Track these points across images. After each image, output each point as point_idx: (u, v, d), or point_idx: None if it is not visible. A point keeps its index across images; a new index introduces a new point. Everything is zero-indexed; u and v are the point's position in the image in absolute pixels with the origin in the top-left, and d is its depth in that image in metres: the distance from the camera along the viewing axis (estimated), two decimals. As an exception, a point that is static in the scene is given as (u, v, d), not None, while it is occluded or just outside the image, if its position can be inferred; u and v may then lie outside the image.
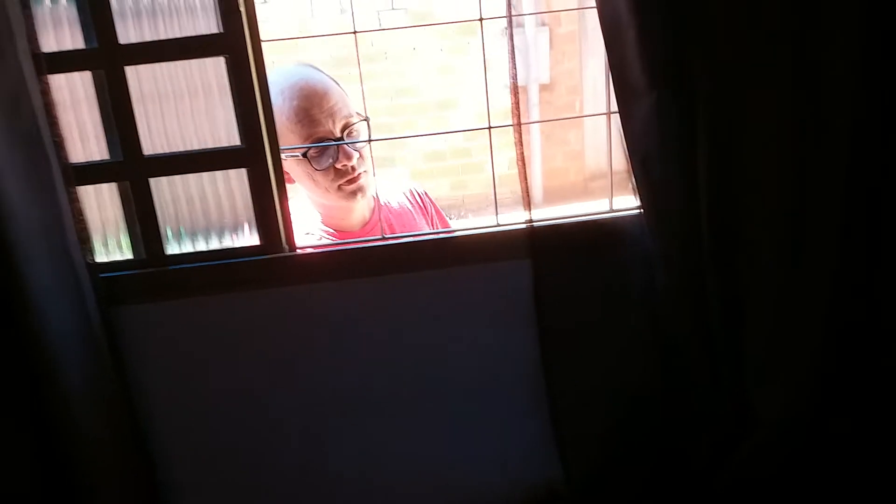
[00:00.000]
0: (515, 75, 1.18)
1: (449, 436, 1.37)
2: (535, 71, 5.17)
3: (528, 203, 1.22)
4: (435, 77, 5.24)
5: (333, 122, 1.39)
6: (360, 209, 1.50)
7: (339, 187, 1.41)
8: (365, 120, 1.41)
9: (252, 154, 1.24)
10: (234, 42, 1.20)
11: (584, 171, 5.51)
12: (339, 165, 1.39)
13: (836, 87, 1.11)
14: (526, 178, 1.20)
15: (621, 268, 1.25)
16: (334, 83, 1.43)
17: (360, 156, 1.42)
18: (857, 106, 1.13)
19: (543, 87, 5.18)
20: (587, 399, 1.29)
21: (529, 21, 5.00)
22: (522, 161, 1.19)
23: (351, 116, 1.42)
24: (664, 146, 1.15)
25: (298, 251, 1.29)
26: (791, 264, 1.16)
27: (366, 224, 1.51)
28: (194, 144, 1.27)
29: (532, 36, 5.14)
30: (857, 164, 1.13)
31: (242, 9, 1.19)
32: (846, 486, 1.30)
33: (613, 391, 1.28)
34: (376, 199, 1.53)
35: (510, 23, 1.19)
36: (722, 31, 1.08)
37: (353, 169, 1.40)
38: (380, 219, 1.43)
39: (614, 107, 1.21)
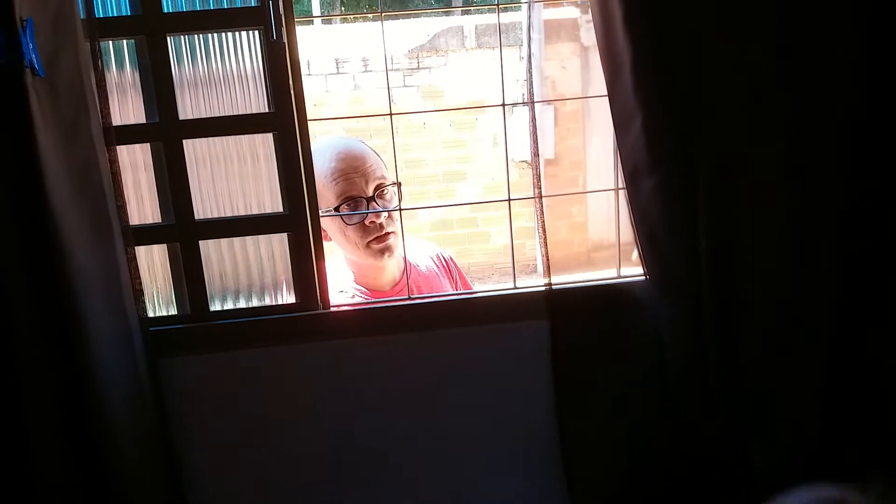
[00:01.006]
0: (537, 152, 1.31)
1: (467, 483, 1.44)
2: (541, 146, 5.37)
3: (547, 268, 1.33)
4: (442, 151, 5.45)
5: (367, 183, 1.53)
6: (390, 270, 1.61)
7: (368, 244, 1.53)
8: (396, 185, 1.55)
9: (294, 220, 1.36)
10: (283, 120, 1.33)
11: (587, 242, 5.66)
12: (367, 222, 1.51)
13: (825, 168, 1.24)
14: (546, 244, 1.31)
15: (630, 329, 1.35)
16: (372, 151, 1.58)
17: (389, 217, 1.54)
18: (847, 191, 1.25)
19: (548, 162, 5.37)
20: (598, 451, 1.37)
21: (537, 99, 5.22)
22: (543, 230, 1.31)
23: (384, 179, 1.56)
24: (668, 220, 1.26)
25: (332, 309, 1.40)
26: (789, 329, 1.27)
27: (396, 284, 1.63)
28: (240, 209, 1.39)
29: (538, 114, 5.36)
30: (850, 238, 1.25)
31: (292, 91, 1.32)
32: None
33: (622, 442, 1.36)
34: (406, 260, 1.65)
35: (532, 107, 1.33)
36: (720, 121, 1.22)
37: (381, 227, 1.53)
38: (408, 279, 1.54)
39: (621, 183, 1.34)
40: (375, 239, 1.54)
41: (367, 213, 1.51)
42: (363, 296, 1.56)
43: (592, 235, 5.70)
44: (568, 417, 1.38)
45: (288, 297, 1.42)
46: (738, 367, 1.28)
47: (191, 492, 1.37)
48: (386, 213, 1.55)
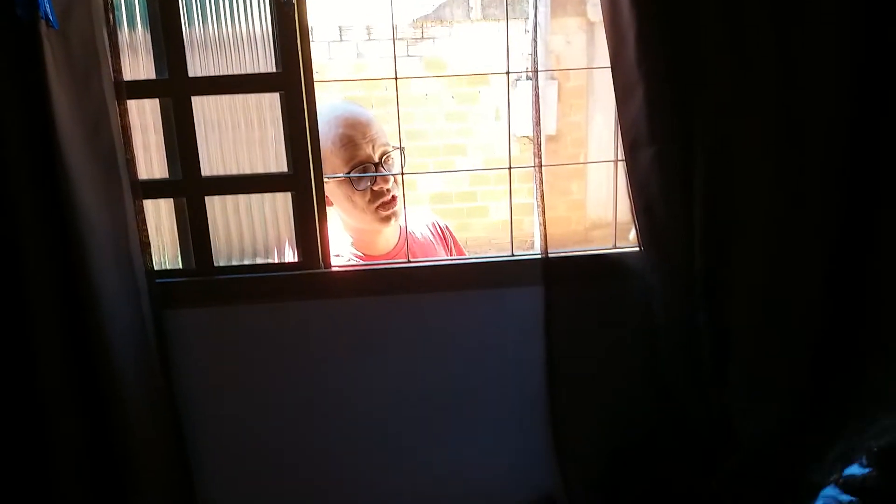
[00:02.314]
0: (539, 121, 1.34)
1: (460, 444, 1.49)
2: (543, 122, 5.36)
3: (544, 235, 1.37)
4: (443, 123, 5.45)
5: (373, 148, 1.55)
6: (388, 235, 1.64)
7: (376, 210, 1.56)
8: (400, 149, 1.57)
9: (298, 180, 1.39)
10: (291, 81, 1.35)
11: (586, 220, 5.69)
12: (376, 188, 1.54)
13: (819, 145, 1.27)
14: (544, 213, 1.34)
15: (623, 298, 1.39)
16: (374, 117, 1.60)
17: (395, 181, 1.57)
18: (840, 158, 1.28)
19: (550, 139, 5.37)
20: (587, 415, 1.42)
21: (540, 75, 5.22)
22: (542, 199, 1.34)
23: (388, 145, 1.58)
24: (665, 191, 1.30)
25: (333, 269, 1.43)
26: (775, 301, 1.31)
27: (392, 250, 1.66)
28: (246, 168, 1.42)
29: (542, 88, 5.36)
30: (840, 208, 1.28)
31: (300, 52, 1.35)
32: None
33: (611, 409, 1.41)
34: (402, 228, 1.67)
35: (535, 76, 1.35)
36: (717, 95, 1.25)
37: (389, 191, 1.55)
38: (407, 244, 1.57)
39: (620, 156, 1.36)
40: (383, 205, 1.57)
41: (374, 175, 1.54)
42: (359, 260, 1.59)
43: (591, 214, 5.72)
44: (558, 382, 1.42)
45: (290, 256, 1.45)
46: (726, 335, 1.32)
47: (191, 436, 1.42)
48: (392, 179, 1.57)
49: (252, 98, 1.40)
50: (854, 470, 1.03)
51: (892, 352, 1.36)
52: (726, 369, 1.34)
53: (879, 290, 1.34)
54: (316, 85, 1.39)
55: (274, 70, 1.37)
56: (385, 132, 1.60)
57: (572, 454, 1.45)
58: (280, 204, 1.44)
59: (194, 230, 1.41)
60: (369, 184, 1.54)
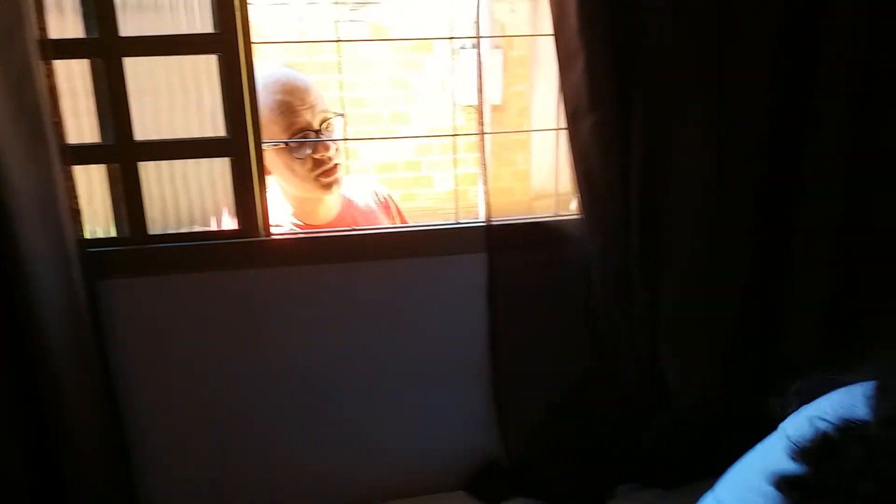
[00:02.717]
0: (482, 88, 1.33)
1: (404, 412, 1.50)
2: (488, 91, 5.36)
3: (487, 203, 1.37)
4: (387, 90, 5.39)
5: (313, 115, 1.52)
6: (329, 204, 1.62)
7: (316, 177, 1.53)
8: (341, 115, 1.55)
9: (236, 144, 1.36)
10: (228, 42, 1.31)
11: (530, 191, 5.73)
12: (316, 156, 1.51)
13: (751, 112, 1.31)
14: (487, 182, 1.35)
15: (564, 263, 1.42)
16: (312, 83, 1.57)
17: (336, 148, 1.55)
18: (770, 134, 1.32)
19: (495, 108, 5.37)
20: (529, 379, 1.45)
21: (484, 43, 5.20)
22: (484, 166, 1.34)
23: (328, 111, 1.55)
24: (604, 159, 1.32)
25: (274, 236, 1.41)
26: (705, 264, 1.35)
27: (333, 219, 1.64)
28: (182, 134, 1.37)
29: (486, 58, 5.35)
30: (767, 179, 1.33)
31: (237, 12, 1.31)
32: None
33: (551, 373, 1.44)
34: (343, 196, 1.65)
35: (478, 43, 1.35)
36: (656, 63, 1.26)
37: (330, 159, 1.53)
38: (348, 213, 1.56)
39: (563, 124, 1.37)
40: (324, 172, 1.54)
41: (315, 141, 1.51)
42: (299, 230, 1.57)
43: (535, 184, 5.77)
44: (500, 346, 1.44)
45: (229, 224, 1.42)
46: (659, 299, 1.36)
47: (128, 412, 1.39)
48: (334, 146, 1.55)
49: (188, 60, 1.35)
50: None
51: (802, 321, 1.42)
52: (658, 329, 1.39)
53: (800, 254, 1.40)
54: (255, 48, 1.35)
55: (211, 31, 1.32)
56: (323, 99, 1.57)
57: (513, 415, 1.48)
58: (218, 170, 1.40)
59: (128, 197, 1.36)
60: (310, 151, 1.52)
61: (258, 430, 1.46)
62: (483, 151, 1.36)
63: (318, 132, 1.52)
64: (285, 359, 1.44)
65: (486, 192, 1.37)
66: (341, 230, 1.48)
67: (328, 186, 1.55)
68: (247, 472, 1.47)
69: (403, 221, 1.81)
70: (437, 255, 1.44)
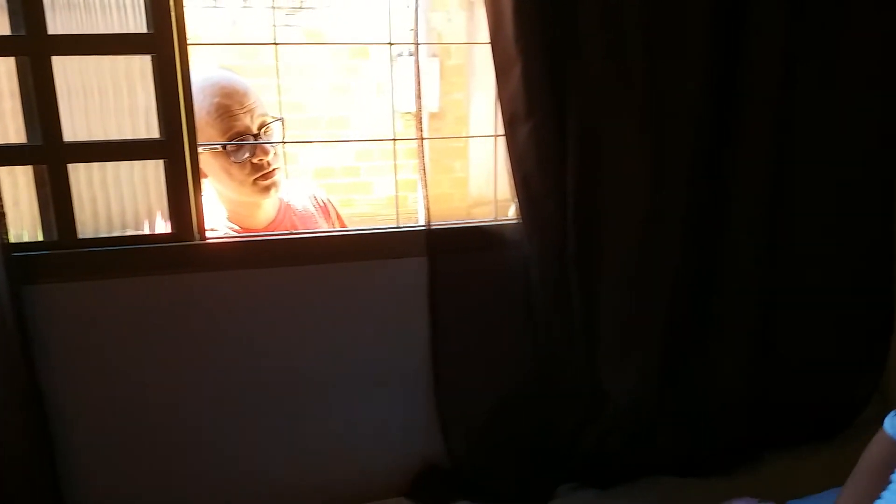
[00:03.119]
0: (420, 94, 1.35)
1: (344, 418, 1.49)
2: (426, 99, 5.38)
3: (427, 207, 1.38)
4: (325, 95, 5.35)
5: (252, 119, 1.50)
6: (267, 208, 1.60)
7: (255, 181, 1.51)
8: (280, 120, 1.53)
9: (171, 146, 1.33)
10: (163, 42, 1.29)
11: (468, 197, 5.78)
12: (255, 160, 1.50)
13: (682, 123, 1.36)
14: (426, 186, 1.36)
15: (503, 266, 1.44)
16: (251, 86, 1.55)
17: (275, 153, 1.53)
18: (700, 137, 1.38)
19: (433, 116, 5.40)
20: (469, 382, 1.46)
21: (421, 51, 5.23)
22: (424, 170, 1.36)
23: (266, 115, 1.54)
24: (541, 164, 1.35)
25: (209, 241, 1.39)
26: (640, 264, 1.40)
27: (270, 223, 1.62)
28: (114, 135, 1.34)
29: (423, 65, 5.37)
30: (699, 181, 1.38)
31: (172, 12, 1.28)
32: (684, 460, 1.54)
33: (493, 375, 1.46)
34: (281, 200, 1.64)
35: (416, 50, 1.36)
36: (590, 71, 1.30)
37: (269, 164, 1.51)
38: (285, 217, 1.54)
39: (500, 131, 1.40)
40: (262, 176, 1.52)
41: (254, 143, 1.49)
42: (235, 234, 1.55)
43: (473, 191, 5.82)
44: (441, 350, 1.45)
45: (163, 228, 1.39)
46: (595, 300, 1.40)
47: (57, 420, 1.34)
48: (273, 151, 1.53)
49: (121, 60, 1.32)
50: None
51: (734, 318, 1.48)
52: (596, 330, 1.42)
53: (731, 252, 1.46)
54: (190, 49, 1.33)
55: (145, 31, 1.30)
56: (262, 102, 1.55)
57: (454, 418, 1.49)
58: (151, 173, 1.37)
59: (56, 200, 1.31)
60: (248, 155, 1.50)
61: (193, 436, 1.43)
62: (423, 157, 1.37)
63: (256, 136, 1.51)
64: (221, 364, 1.42)
65: (426, 197, 1.38)
66: (278, 234, 1.47)
67: (266, 189, 1.53)
68: (180, 479, 1.44)
69: (343, 225, 1.80)
70: (377, 259, 1.45)
